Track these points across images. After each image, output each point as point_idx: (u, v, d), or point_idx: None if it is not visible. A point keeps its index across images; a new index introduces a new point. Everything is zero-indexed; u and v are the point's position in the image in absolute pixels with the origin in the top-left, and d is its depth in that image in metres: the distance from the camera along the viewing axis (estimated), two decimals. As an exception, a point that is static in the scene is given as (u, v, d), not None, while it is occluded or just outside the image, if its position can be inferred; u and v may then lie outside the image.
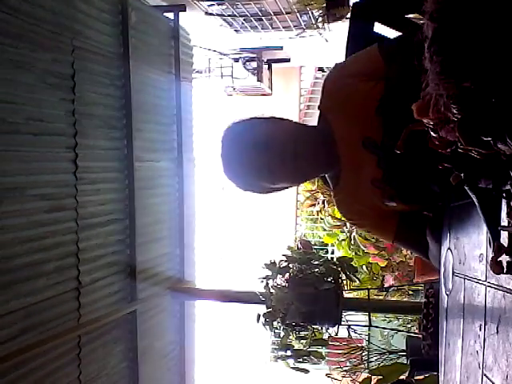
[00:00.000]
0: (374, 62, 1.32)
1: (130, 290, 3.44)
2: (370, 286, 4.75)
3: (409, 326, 4.61)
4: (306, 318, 3.31)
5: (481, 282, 0.91)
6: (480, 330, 0.89)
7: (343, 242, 4.99)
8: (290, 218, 8.17)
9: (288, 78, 9.04)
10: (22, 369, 2.52)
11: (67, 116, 2.82)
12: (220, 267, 8.35)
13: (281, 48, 7.44)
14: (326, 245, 6.53)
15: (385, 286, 5.08)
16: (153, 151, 3.80)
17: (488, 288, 0.87)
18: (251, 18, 6.24)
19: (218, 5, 5.83)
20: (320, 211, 5.03)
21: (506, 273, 0.74)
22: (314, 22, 5.79)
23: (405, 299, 5.01)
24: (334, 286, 3.37)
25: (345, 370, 4.18)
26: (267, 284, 3.44)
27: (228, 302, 4.47)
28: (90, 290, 3.01)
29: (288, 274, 3.43)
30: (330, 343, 4.35)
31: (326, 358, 4.89)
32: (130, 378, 3.48)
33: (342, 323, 3.50)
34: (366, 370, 4.05)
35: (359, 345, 4.37)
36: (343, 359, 4.45)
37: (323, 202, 4.87)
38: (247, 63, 7.69)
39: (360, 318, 4.04)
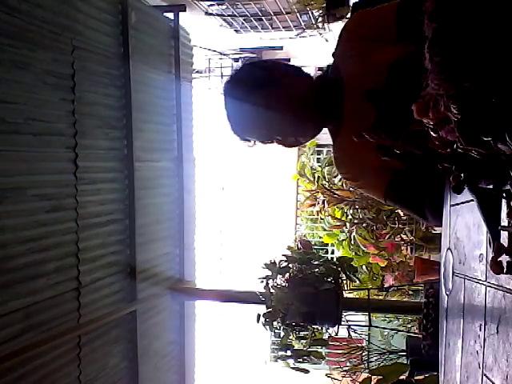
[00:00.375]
0: (384, 23, 1.31)
1: (129, 290, 3.44)
2: (370, 286, 4.76)
3: (409, 326, 4.61)
4: (306, 318, 3.31)
5: (481, 282, 0.91)
6: (480, 330, 0.89)
7: (343, 242, 4.99)
8: (290, 218, 8.17)
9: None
10: (22, 369, 2.53)
11: (67, 116, 2.82)
12: (220, 267, 8.35)
13: (281, 48, 7.44)
14: (326, 245, 6.54)
15: (385, 286, 5.08)
16: (153, 151, 3.80)
17: (488, 288, 0.87)
18: (251, 18, 6.25)
19: (218, 5, 5.83)
20: (320, 211, 5.02)
21: (506, 273, 0.74)
22: (313, 22, 5.79)
23: (405, 299, 5.01)
24: (334, 286, 3.37)
25: (345, 370, 4.18)
26: (267, 284, 3.44)
27: (228, 301, 4.48)
28: (90, 290, 3.02)
29: (288, 273, 3.43)
30: (330, 343, 4.35)
31: (326, 358, 4.89)
32: (129, 378, 3.48)
33: (342, 323, 3.50)
34: (366, 370, 4.05)
35: (359, 345, 4.37)
36: (343, 359, 4.45)
37: (323, 202, 4.87)
38: (247, 63, 7.68)
39: (360, 317, 4.04)
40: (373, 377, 3.31)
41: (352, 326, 3.83)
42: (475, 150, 0.66)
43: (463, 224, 1.04)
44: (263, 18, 6.28)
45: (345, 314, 3.54)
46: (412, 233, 4.52)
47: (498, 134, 0.61)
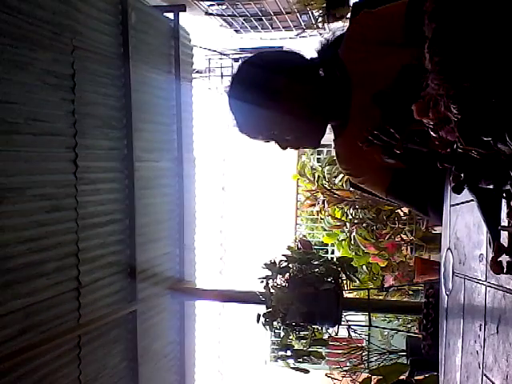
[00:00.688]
0: (393, 27, 1.28)
1: (130, 290, 3.44)
2: (370, 286, 4.76)
3: (409, 326, 4.62)
4: (306, 318, 3.31)
5: (481, 282, 0.91)
6: (480, 330, 0.89)
7: (343, 242, 4.99)
8: (289, 218, 8.17)
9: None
10: (22, 369, 2.53)
11: (67, 116, 2.82)
12: (220, 267, 8.35)
13: (281, 48, 7.43)
14: (326, 245, 6.53)
15: (385, 286, 5.08)
16: (153, 151, 3.80)
17: (488, 288, 0.87)
18: (251, 18, 6.24)
19: (218, 5, 5.83)
20: (320, 211, 5.02)
21: (506, 273, 0.74)
22: (313, 22, 5.79)
23: (405, 299, 5.01)
24: (334, 286, 3.37)
25: (345, 370, 4.18)
26: (267, 284, 3.44)
27: (228, 301, 4.48)
28: (90, 290, 3.02)
29: (288, 274, 3.43)
30: (330, 343, 4.36)
31: (326, 358, 4.89)
32: (129, 378, 3.49)
33: (342, 323, 3.50)
34: (366, 370, 4.05)
35: (359, 345, 4.37)
36: (343, 359, 4.45)
37: (323, 202, 4.87)
38: (247, 63, 7.68)
39: (360, 317, 4.05)
40: (373, 377, 3.31)
41: (352, 326, 3.83)
42: (475, 150, 0.66)
43: (463, 224, 1.04)
44: (263, 17, 6.27)
45: (345, 314, 3.54)
46: (412, 233, 4.52)
47: (498, 134, 0.61)
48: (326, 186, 4.79)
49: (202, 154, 4.88)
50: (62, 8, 2.76)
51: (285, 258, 3.54)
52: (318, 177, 4.87)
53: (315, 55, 1.47)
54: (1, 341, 2.38)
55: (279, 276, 3.45)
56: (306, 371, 3.75)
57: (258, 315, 3.46)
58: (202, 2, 5.48)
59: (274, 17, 6.22)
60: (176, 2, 4.38)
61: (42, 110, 2.63)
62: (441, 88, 0.63)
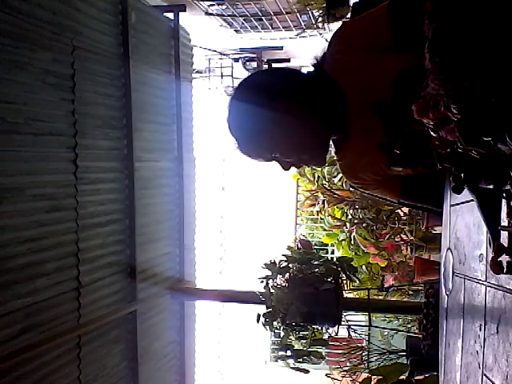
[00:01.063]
0: (379, 32, 1.25)
1: (130, 290, 3.44)
2: (369, 286, 4.76)
3: (409, 325, 4.62)
4: (306, 318, 3.31)
5: (481, 282, 0.91)
6: (480, 330, 0.89)
7: (343, 242, 4.99)
8: (289, 218, 8.17)
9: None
10: (22, 369, 2.53)
11: (67, 116, 2.82)
12: (220, 267, 8.35)
13: (281, 48, 7.44)
14: (326, 245, 6.53)
15: (385, 286, 5.08)
16: (153, 151, 3.80)
17: (488, 288, 0.87)
18: (251, 18, 6.25)
19: (218, 5, 5.83)
20: (320, 211, 5.02)
21: (506, 273, 0.74)
22: (314, 22, 5.79)
23: (405, 299, 5.01)
24: (334, 286, 3.37)
25: (345, 370, 4.18)
26: (267, 284, 3.44)
27: (228, 301, 4.48)
28: (90, 290, 3.02)
29: (288, 274, 3.43)
30: (330, 343, 4.36)
31: (326, 358, 4.89)
32: (129, 378, 3.49)
33: (342, 323, 3.50)
34: (366, 370, 4.05)
35: (359, 345, 4.37)
36: (343, 359, 4.45)
37: (323, 202, 4.87)
38: (247, 63, 7.70)
39: (360, 317, 4.05)
40: (373, 377, 3.31)
41: (352, 326, 3.83)
42: (475, 150, 0.66)
43: (463, 224, 1.04)
44: (263, 18, 6.28)
45: (345, 314, 3.54)
46: (412, 233, 4.52)
47: (498, 133, 0.61)
48: (326, 185, 4.79)
49: (202, 153, 4.88)
50: (61, 8, 2.76)
51: (285, 258, 3.55)
52: (318, 177, 4.87)
53: (311, 69, 1.45)
54: (1, 341, 2.38)
55: (279, 276, 3.45)
56: (306, 371, 3.75)
57: (258, 315, 3.46)
58: (202, 2, 5.48)
59: (274, 17, 6.22)
60: (176, 1, 4.38)
61: (42, 110, 2.63)
62: (441, 88, 0.63)
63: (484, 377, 0.85)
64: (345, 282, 3.66)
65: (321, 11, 5.40)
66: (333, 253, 6.25)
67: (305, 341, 3.69)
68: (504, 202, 0.76)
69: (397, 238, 4.65)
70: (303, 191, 5.44)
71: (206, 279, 5.23)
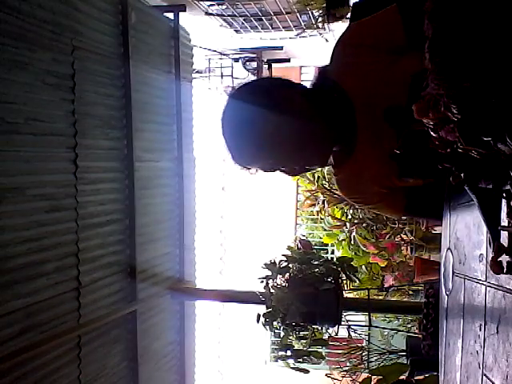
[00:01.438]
0: (391, 31, 1.18)
1: (130, 290, 3.44)
2: (369, 286, 4.75)
3: (409, 326, 4.62)
4: (306, 318, 3.31)
5: (481, 282, 0.91)
6: (480, 330, 0.89)
7: (343, 242, 4.99)
8: (289, 218, 8.17)
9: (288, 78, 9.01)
10: (22, 369, 2.52)
11: (67, 116, 2.82)
12: (220, 267, 8.35)
13: (281, 48, 7.44)
14: (326, 245, 6.53)
15: (385, 286, 5.08)
16: (153, 151, 3.80)
17: (488, 288, 0.87)
18: (251, 18, 6.25)
19: (218, 5, 5.83)
20: (320, 211, 5.02)
21: (506, 273, 0.74)
22: (314, 22, 5.79)
23: (405, 299, 5.01)
24: (334, 286, 3.37)
25: (345, 370, 4.18)
26: (267, 284, 3.44)
27: (228, 301, 4.48)
28: (90, 290, 3.02)
29: (288, 274, 3.43)
30: (330, 343, 4.35)
31: (326, 358, 4.89)
32: (129, 378, 3.49)
33: (342, 323, 3.49)
34: (366, 370, 4.05)
35: (359, 345, 4.37)
36: (343, 359, 4.45)
37: (323, 202, 4.86)
38: (247, 63, 7.69)
39: (360, 317, 4.04)
40: (373, 377, 3.31)
41: (352, 326, 3.83)
42: (475, 150, 0.66)
43: (463, 224, 1.04)
44: (263, 17, 6.28)
45: (345, 314, 3.54)
46: (412, 233, 4.51)
47: (498, 134, 0.61)
48: (326, 186, 4.79)
49: (202, 153, 4.88)
50: (61, 8, 2.76)
51: (285, 258, 3.54)
52: (318, 177, 4.87)
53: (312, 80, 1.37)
54: (1, 341, 2.38)
55: (279, 276, 3.45)
56: (306, 371, 3.74)
57: (258, 315, 3.46)
58: (202, 2, 5.49)
59: (274, 17, 6.22)
60: (176, 1, 4.38)
61: (42, 110, 2.63)
62: (441, 88, 0.63)
63: (484, 377, 0.85)
64: (345, 282, 3.65)
65: (321, 11, 5.40)
66: (333, 253, 6.25)
67: (305, 341, 3.69)
68: (504, 201, 0.76)
69: (397, 238, 4.65)
70: (303, 191, 5.44)
71: (206, 279, 5.23)
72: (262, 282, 3.47)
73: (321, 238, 6.34)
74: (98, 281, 3.11)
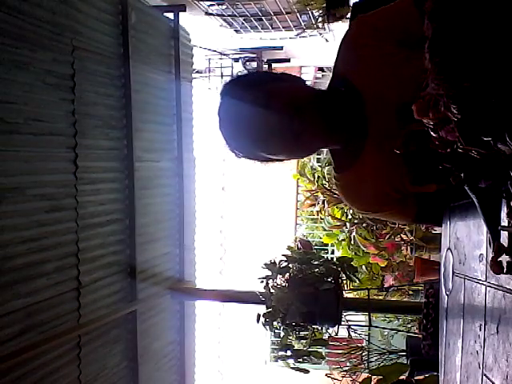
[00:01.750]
0: (407, 21, 1.09)
1: (130, 290, 3.44)
2: (369, 286, 4.75)
3: (409, 326, 4.62)
4: (306, 318, 3.31)
5: (481, 282, 0.91)
6: (480, 330, 0.89)
7: (343, 242, 4.99)
8: (289, 218, 8.17)
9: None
10: (22, 369, 2.53)
11: (67, 116, 2.82)
12: (220, 267, 8.35)
13: (281, 48, 7.44)
14: (326, 245, 6.53)
15: (385, 286, 5.08)
16: (153, 151, 3.80)
17: (488, 288, 0.87)
18: (251, 18, 6.24)
19: (218, 5, 5.83)
20: (320, 211, 5.02)
21: (506, 273, 0.74)
22: (314, 22, 5.79)
23: (405, 299, 5.01)
24: (334, 286, 3.37)
25: (345, 370, 4.18)
26: (267, 284, 3.44)
27: (228, 301, 4.48)
28: (90, 290, 3.01)
29: (288, 274, 3.43)
30: (330, 343, 4.35)
31: (326, 358, 4.89)
32: (129, 378, 3.49)
33: (342, 323, 3.50)
34: (366, 370, 4.05)
35: (359, 345, 4.37)
36: (343, 359, 4.45)
37: (323, 202, 4.87)
38: (247, 63, 7.69)
39: (360, 317, 4.05)
40: (373, 377, 3.31)
41: (352, 326, 3.83)
42: (475, 150, 0.66)
43: (463, 224, 1.04)
44: (263, 17, 6.27)
45: (345, 314, 3.54)
46: (412, 233, 4.51)
47: (498, 133, 0.61)
48: (326, 186, 4.79)
49: (202, 153, 4.88)
50: (61, 8, 2.76)
51: (285, 258, 3.55)
52: (318, 177, 4.87)
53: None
54: (1, 341, 2.38)
55: (279, 276, 3.45)
56: (306, 371, 3.75)
57: (258, 315, 3.46)
58: (202, 2, 5.48)
59: (274, 17, 6.22)
60: (176, 2, 4.38)
61: (42, 110, 2.63)
62: (441, 88, 0.63)
63: (484, 377, 0.85)
64: (345, 282, 3.66)
65: (321, 11, 5.39)
66: (333, 253, 6.25)
67: (305, 341, 3.69)
68: (504, 201, 0.76)
69: (397, 238, 4.65)
70: (303, 191, 5.44)
71: (206, 279, 5.23)
72: (262, 282, 3.47)
73: (321, 237, 6.34)
74: (98, 281, 3.11)
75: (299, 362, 3.82)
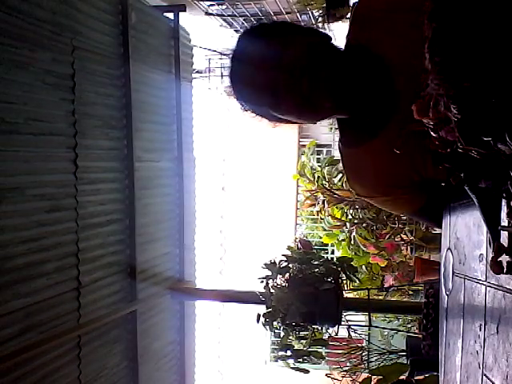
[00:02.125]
0: None
1: (130, 290, 3.44)
2: (369, 286, 4.76)
3: (409, 326, 4.62)
4: (306, 318, 3.31)
5: (481, 282, 0.91)
6: (480, 330, 0.89)
7: (343, 242, 4.99)
8: (289, 218, 8.17)
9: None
10: (22, 369, 2.52)
11: (67, 116, 2.82)
12: (220, 267, 8.36)
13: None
14: (326, 245, 6.54)
15: (385, 286, 5.08)
16: (153, 151, 3.80)
17: (488, 288, 0.87)
18: (251, 18, 6.25)
19: (218, 5, 5.83)
20: (320, 211, 5.02)
21: (506, 273, 0.74)
22: (314, 22, 5.79)
23: (405, 299, 5.01)
24: (334, 286, 3.37)
25: (345, 370, 4.18)
26: (267, 284, 3.44)
27: (228, 301, 4.48)
28: (90, 290, 3.01)
29: (288, 274, 3.43)
30: (330, 343, 4.35)
31: (326, 358, 4.89)
32: (129, 377, 3.48)
33: (342, 323, 3.50)
34: (366, 370, 4.05)
35: (359, 345, 4.37)
36: (343, 359, 4.45)
37: (323, 202, 4.87)
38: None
39: (360, 317, 4.05)
40: (373, 377, 3.31)
41: (352, 326, 3.83)
42: (475, 150, 0.66)
43: (463, 224, 1.04)
44: (263, 18, 6.28)
45: (345, 314, 3.54)
46: (412, 233, 4.52)
47: (498, 133, 0.61)
48: (326, 185, 4.79)
49: (202, 153, 4.88)
50: (61, 8, 2.76)
51: (285, 258, 3.55)
52: (318, 177, 4.87)
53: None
54: (1, 341, 2.38)
55: (279, 276, 3.45)
56: (306, 371, 3.75)
57: (258, 315, 3.46)
58: (202, 2, 5.49)
59: (274, 17, 6.22)
60: (176, 1, 4.38)
61: (42, 110, 2.63)
62: (441, 88, 0.63)
63: (484, 377, 0.85)
64: (345, 282, 3.66)
65: (321, 11, 5.40)
66: (333, 253, 6.26)
67: (305, 341, 3.69)
68: (504, 201, 0.76)
69: (397, 238, 4.65)
70: (303, 191, 5.44)
71: (206, 279, 5.23)
72: (262, 282, 3.47)
73: (321, 237, 6.34)
74: (98, 281, 3.11)
75: (299, 361, 3.82)
